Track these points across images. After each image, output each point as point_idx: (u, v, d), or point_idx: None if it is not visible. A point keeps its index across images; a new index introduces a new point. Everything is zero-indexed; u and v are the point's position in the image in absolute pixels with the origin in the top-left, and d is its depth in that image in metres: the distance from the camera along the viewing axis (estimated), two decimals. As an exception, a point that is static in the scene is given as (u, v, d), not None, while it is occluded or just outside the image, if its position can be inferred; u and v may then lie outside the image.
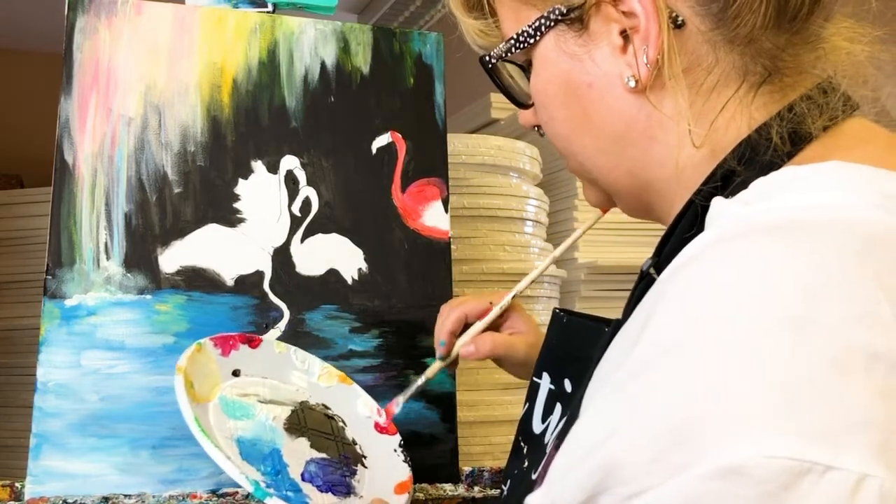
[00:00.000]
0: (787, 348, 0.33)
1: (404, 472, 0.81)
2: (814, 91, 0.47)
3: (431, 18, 3.48)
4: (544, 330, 0.73)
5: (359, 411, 0.87)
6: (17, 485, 0.84)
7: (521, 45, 0.54)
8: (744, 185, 0.45)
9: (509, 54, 0.55)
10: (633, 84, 0.49)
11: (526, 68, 0.57)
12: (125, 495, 0.83)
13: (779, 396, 0.32)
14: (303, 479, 0.76)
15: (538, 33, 0.52)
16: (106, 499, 0.83)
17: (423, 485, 0.92)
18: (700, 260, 0.40)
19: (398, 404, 0.84)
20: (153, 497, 0.83)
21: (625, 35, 0.49)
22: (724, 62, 0.48)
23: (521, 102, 0.60)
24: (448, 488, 0.93)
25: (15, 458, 1.35)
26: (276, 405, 0.81)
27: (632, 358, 0.38)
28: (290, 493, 0.73)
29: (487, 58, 0.57)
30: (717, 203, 0.45)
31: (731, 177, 0.47)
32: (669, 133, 0.50)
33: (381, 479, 0.80)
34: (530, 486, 0.56)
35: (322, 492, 0.76)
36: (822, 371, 0.32)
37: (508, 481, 0.67)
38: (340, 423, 0.85)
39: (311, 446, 0.80)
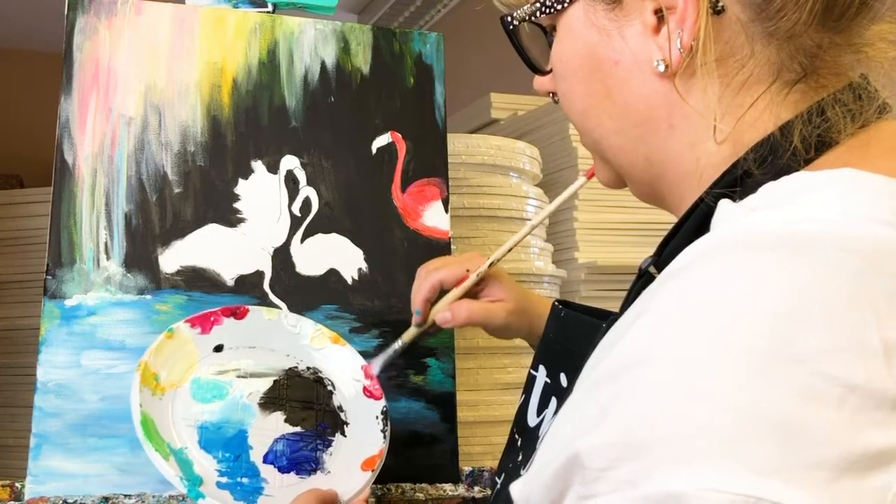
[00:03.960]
0: (753, 378, 0.32)
1: (376, 445, 0.80)
2: (844, 93, 0.45)
3: (431, 18, 3.48)
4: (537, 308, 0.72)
5: (350, 374, 0.86)
6: (17, 485, 0.84)
7: (548, 10, 0.52)
8: (754, 188, 0.43)
9: (533, 17, 0.53)
10: (662, 68, 0.46)
11: (549, 32, 0.54)
12: (125, 495, 0.83)
13: (734, 427, 0.31)
14: (265, 461, 0.77)
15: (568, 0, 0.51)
16: (106, 499, 0.83)
17: (423, 485, 0.92)
18: (690, 270, 0.38)
19: (375, 367, 0.85)
20: (153, 497, 0.83)
21: (659, 15, 0.46)
22: (760, 56, 0.46)
23: (539, 68, 0.57)
24: (448, 488, 0.93)
25: (15, 458, 1.35)
26: (256, 378, 0.82)
27: (608, 360, 0.37)
28: (244, 480, 0.74)
29: (509, 18, 0.54)
30: (724, 206, 0.43)
31: (745, 179, 0.45)
32: (692, 125, 0.48)
33: (355, 449, 0.81)
34: None
35: (284, 472, 0.77)
36: (786, 404, 0.31)
37: (503, 475, 0.67)
38: (329, 388, 0.85)
39: (286, 420, 0.80)
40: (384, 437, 0.81)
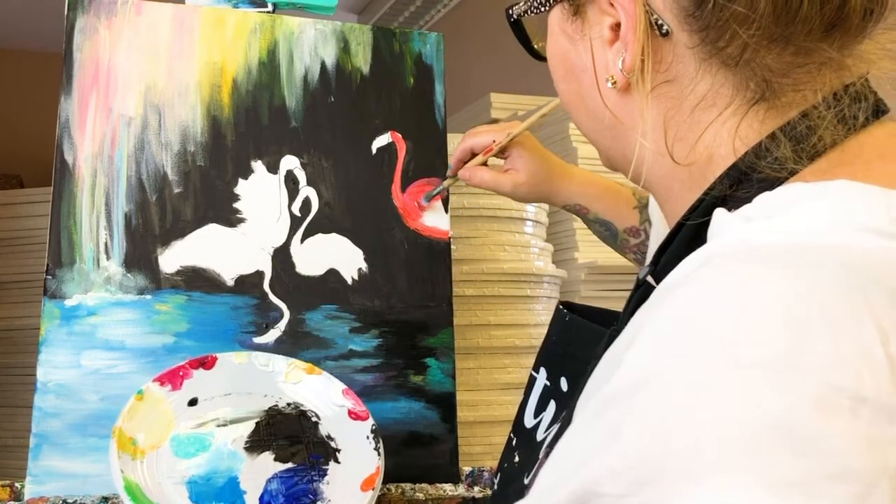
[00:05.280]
0: (766, 391, 0.31)
1: (373, 464, 0.80)
2: (819, 107, 0.44)
3: (431, 18, 3.48)
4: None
5: (332, 401, 0.86)
6: (17, 485, 0.84)
7: (535, 11, 0.54)
8: (747, 198, 0.43)
9: (526, 15, 0.55)
10: (610, 84, 0.48)
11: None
12: (125, 495, 0.83)
13: (752, 442, 0.31)
14: (261, 503, 0.76)
15: (548, 3, 0.52)
16: (106, 499, 0.83)
17: (423, 485, 0.92)
18: (690, 283, 0.38)
19: (424, 200, 1.00)
20: (153, 497, 0.83)
21: (616, 31, 0.47)
22: (714, 79, 0.46)
23: (543, 56, 0.59)
24: (448, 488, 0.93)
25: (15, 458, 1.35)
26: (237, 424, 0.81)
27: (613, 380, 0.37)
28: None
29: (510, 11, 0.57)
30: (719, 215, 0.43)
31: (721, 202, 0.45)
32: (655, 138, 0.48)
33: (351, 473, 0.80)
34: (521, 492, 0.56)
35: None
36: (801, 416, 0.31)
37: (499, 475, 0.67)
38: (314, 419, 0.84)
39: (275, 459, 0.80)
40: (378, 454, 0.81)
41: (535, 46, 0.58)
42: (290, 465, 0.79)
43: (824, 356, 0.32)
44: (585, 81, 0.51)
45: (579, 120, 0.55)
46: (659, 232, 0.86)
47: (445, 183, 0.99)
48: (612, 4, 0.47)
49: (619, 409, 0.35)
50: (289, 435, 0.82)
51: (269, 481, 0.78)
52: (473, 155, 0.94)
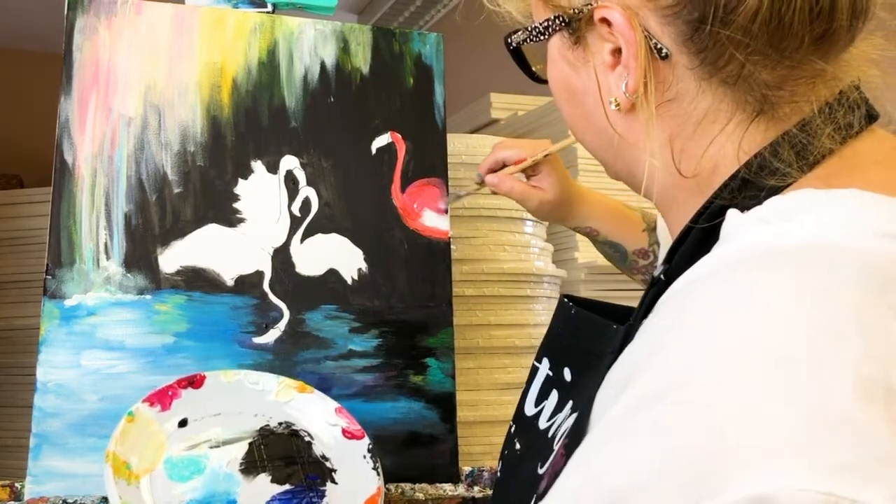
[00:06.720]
0: (809, 381, 0.33)
1: (373, 484, 0.79)
2: (816, 118, 0.46)
3: (431, 18, 3.48)
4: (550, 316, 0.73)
5: (324, 419, 0.85)
6: (17, 485, 0.84)
7: (535, 40, 0.56)
8: (756, 202, 0.44)
9: (525, 43, 0.57)
10: (613, 107, 0.50)
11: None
12: (125, 495, 0.83)
13: (804, 428, 0.32)
14: None
15: (547, 32, 0.54)
16: (105, 499, 0.82)
17: (423, 485, 0.92)
18: (717, 283, 0.40)
19: (444, 203, 1.01)
20: (153, 497, 0.83)
21: (616, 56, 0.49)
22: (712, 95, 0.47)
23: (543, 79, 0.61)
24: (448, 488, 0.93)
25: (15, 458, 1.35)
26: (230, 445, 0.80)
27: (646, 380, 0.37)
28: None
29: (509, 39, 0.58)
30: (732, 216, 0.45)
31: (724, 210, 0.47)
32: (661, 154, 0.50)
33: (351, 494, 0.79)
34: (535, 481, 0.56)
35: None
36: (845, 403, 0.33)
37: (501, 462, 0.67)
38: (307, 439, 0.83)
39: (272, 481, 0.78)
40: (378, 474, 0.80)
41: (534, 69, 0.60)
42: (287, 486, 0.78)
43: (857, 350, 0.34)
44: (589, 104, 0.53)
45: (584, 139, 0.57)
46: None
47: (472, 188, 1.01)
48: (611, 31, 0.48)
49: (658, 408, 0.36)
50: (283, 456, 0.81)
51: (268, 503, 0.77)
52: (503, 165, 0.96)
